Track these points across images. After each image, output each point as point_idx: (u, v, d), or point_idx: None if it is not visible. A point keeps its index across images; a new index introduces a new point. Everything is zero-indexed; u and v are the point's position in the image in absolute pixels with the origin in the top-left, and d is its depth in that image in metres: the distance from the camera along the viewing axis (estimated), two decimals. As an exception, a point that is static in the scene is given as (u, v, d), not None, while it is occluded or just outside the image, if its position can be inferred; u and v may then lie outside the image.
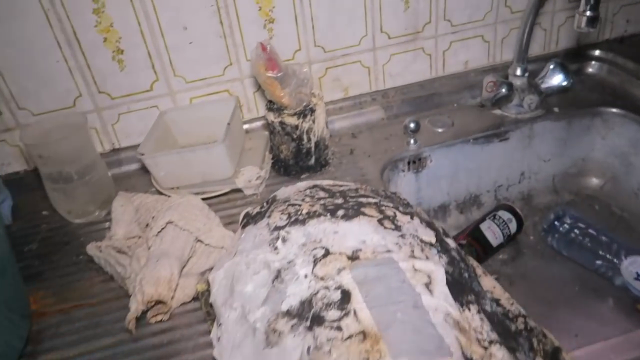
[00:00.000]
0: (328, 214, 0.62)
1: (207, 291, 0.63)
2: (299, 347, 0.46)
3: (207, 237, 0.69)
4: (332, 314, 0.48)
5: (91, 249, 0.71)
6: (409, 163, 0.91)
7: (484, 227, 0.91)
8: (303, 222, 0.62)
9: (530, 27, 0.90)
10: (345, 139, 0.94)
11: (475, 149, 0.94)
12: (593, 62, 1.05)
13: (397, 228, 0.59)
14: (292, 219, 0.63)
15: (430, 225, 0.67)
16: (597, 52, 1.05)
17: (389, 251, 0.55)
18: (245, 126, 0.94)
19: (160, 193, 0.82)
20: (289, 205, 0.67)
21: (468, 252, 0.87)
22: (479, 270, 0.63)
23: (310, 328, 0.48)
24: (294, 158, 0.83)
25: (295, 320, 0.49)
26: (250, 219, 0.70)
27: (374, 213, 0.62)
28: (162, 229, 0.68)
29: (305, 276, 0.54)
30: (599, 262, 0.84)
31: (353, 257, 0.54)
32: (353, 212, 0.62)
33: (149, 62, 0.85)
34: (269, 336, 0.49)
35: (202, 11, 0.82)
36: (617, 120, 0.95)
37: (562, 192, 1.03)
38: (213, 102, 0.86)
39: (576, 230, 0.87)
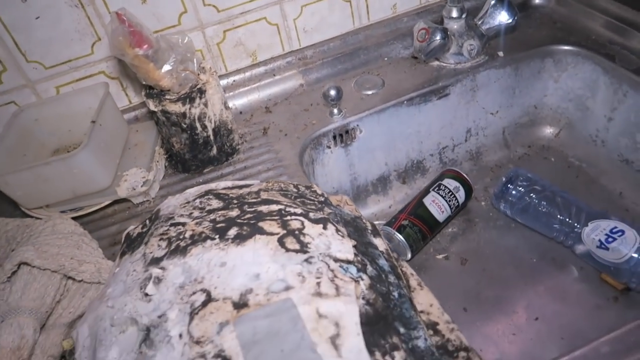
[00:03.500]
0: (217, 237, 0.49)
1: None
2: None
3: (77, 274, 0.55)
4: (208, 399, 0.35)
5: None
6: (334, 137, 0.77)
7: (427, 201, 0.78)
8: (184, 251, 0.48)
9: (462, -43, 0.74)
10: (258, 115, 0.79)
11: (411, 111, 0.80)
12: (540, -9, 0.90)
13: (303, 247, 0.46)
14: (172, 246, 0.49)
15: (352, 224, 0.54)
16: (543, -21, 0.90)
17: (287, 288, 0.42)
18: (133, 114, 0.77)
19: (26, 214, 0.66)
20: (171, 225, 0.53)
21: (411, 233, 0.75)
22: (414, 281, 0.51)
23: None
24: (190, 151, 0.68)
25: (160, 411, 0.36)
26: (129, 245, 0.55)
27: (274, 228, 0.49)
28: (13, 272, 0.53)
29: (180, 336, 0.40)
30: (557, 226, 0.73)
31: (240, 304, 0.41)
32: (248, 230, 0.49)
33: (-12, 49, 0.66)
34: None
35: (41, -25, 0.63)
36: (570, 59, 0.82)
37: (513, 146, 0.91)
38: (78, 93, 0.69)
39: (531, 194, 0.76)
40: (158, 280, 0.46)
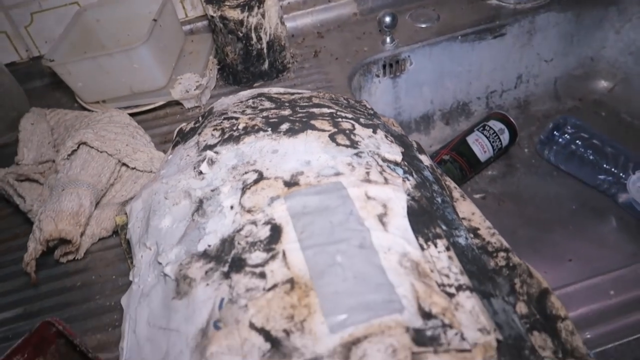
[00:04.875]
0: (269, 129, 0.50)
1: (127, 224, 0.53)
2: (210, 299, 0.36)
3: (131, 160, 0.58)
4: (256, 256, 0.37)
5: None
6: (384, 66, 0.77)
7: (471, 139, 0.78)
8: (237, 139, 0.50)
9: None
10: (310, 39, 0.79)
11: (464, 48, 0.79)
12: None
13: (353, 144, 0.47)
14: (226, 135, 0.51)
15: (399, 139, 0.55)
16: None
17: (337, 174, 0.43)
18: (189, 27, 0.78)
19: (84, 108, 0.68)
20: (224, 119, 0.54)
21: (451, 168, 0.76)
22: (456, 192, 0.51)
23: (227, 275, 0.37)
24: (243, 62, 0.69)
25: (211, 265, 0.39)
26: (182, 137, 0.57)
27: (326, 126, 0.50)
28: (74, 151, 0.56)
29: (231, 207, 0.42)
30: (602, 176, 0.73)
31: (291, 183, 0.43)
32: (300, 125, 0.50)
33: (57, -56, 0.68)
34: (180, 284, 0.39)
35: None
36: (636, 9, 0.79)
37: (564, 98, 0.89)
38: (140, -6, 0.70)
39: (578, 142, 0.75)
40: (212, 162, 0.48)
